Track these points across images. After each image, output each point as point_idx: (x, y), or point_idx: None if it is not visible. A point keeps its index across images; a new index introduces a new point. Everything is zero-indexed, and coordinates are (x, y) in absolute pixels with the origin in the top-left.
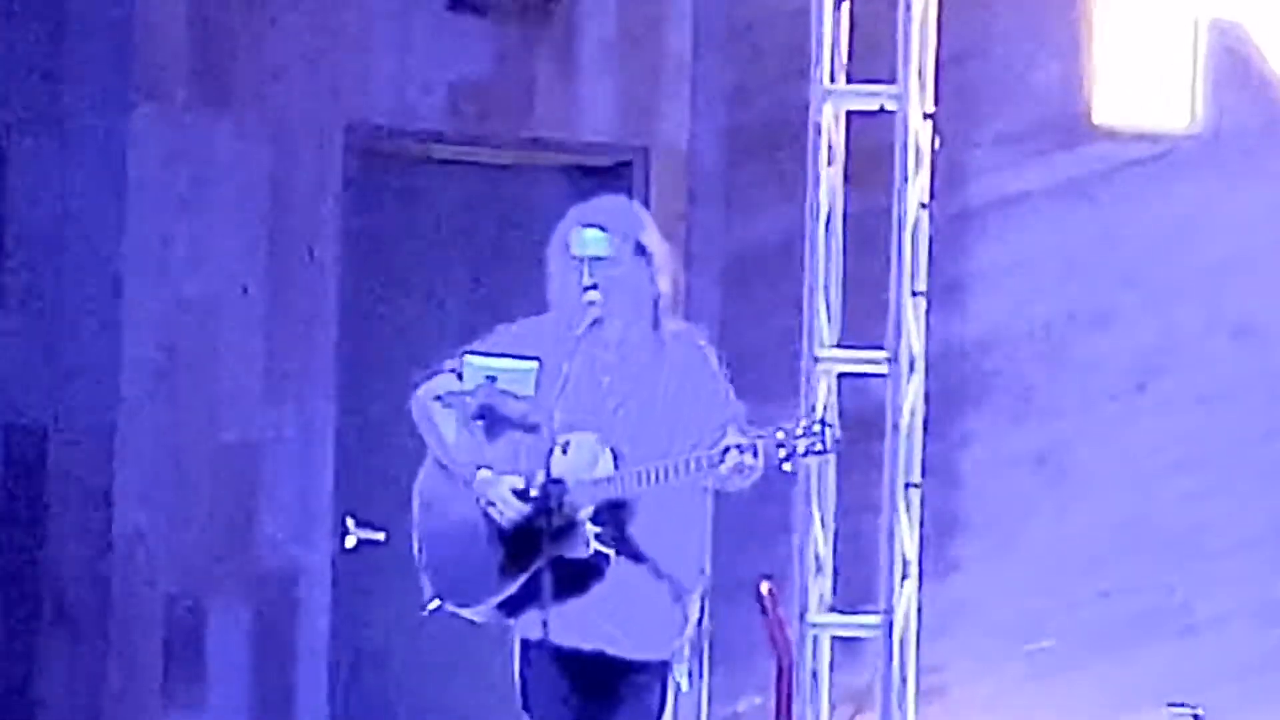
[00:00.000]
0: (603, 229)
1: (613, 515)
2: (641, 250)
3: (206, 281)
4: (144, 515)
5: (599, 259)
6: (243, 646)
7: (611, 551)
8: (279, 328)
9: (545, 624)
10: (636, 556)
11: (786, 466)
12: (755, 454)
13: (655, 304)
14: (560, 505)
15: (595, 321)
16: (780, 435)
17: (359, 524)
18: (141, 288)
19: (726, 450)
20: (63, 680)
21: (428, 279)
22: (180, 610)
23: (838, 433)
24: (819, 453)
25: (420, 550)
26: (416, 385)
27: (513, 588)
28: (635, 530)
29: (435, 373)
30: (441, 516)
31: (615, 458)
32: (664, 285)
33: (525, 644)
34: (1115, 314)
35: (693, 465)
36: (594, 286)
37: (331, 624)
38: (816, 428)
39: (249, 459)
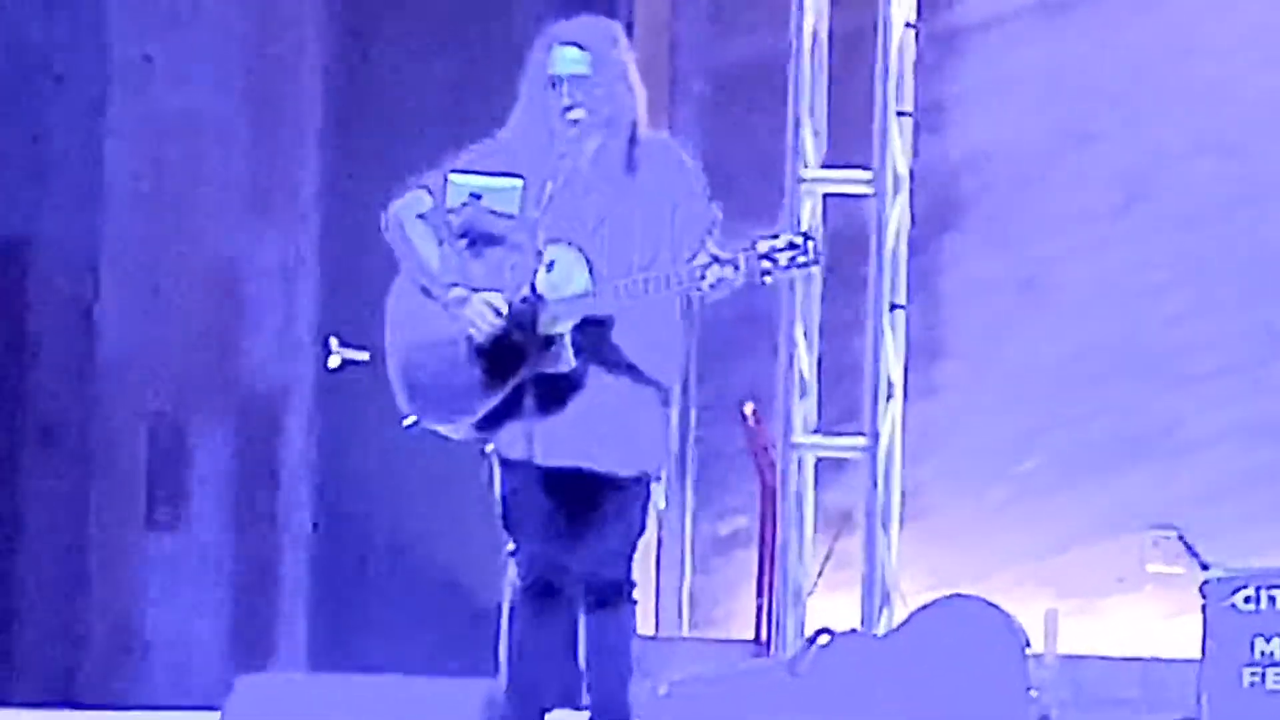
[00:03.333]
0: (581, 47)
1: (591, 328)
2: (617, 68)
3: (189, 98)
4: (127, 333)
5: (578, 77)
6: (226, 466)
7: (591, 365)
8: (263, 145)
9: (530, 441)
10: (618, 364)
11: (768, 279)
12: (736, 268)
13: (633, 122)
14: (537, 320)
15: (575, 138)
16: (764, 248)
17: (343, 344)
18: (124, 103)
19: (708, 265)
20: (46, 499)
21: (411, 95)
22: (163, 429)
23: (821, 246)
24: (802, 265)
25: (394, 367)
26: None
27: (491, 404)
28: (617, 338)
29: (410, 189)
30: (417, 334)
31: (591, 273)
32: (639, 104)
33: (506, 462)
34: (1100, 134)
35: (674, 280)
36: (574, 106)
37: (314, 443)
38: (799, 240)
39: (233, 277)
